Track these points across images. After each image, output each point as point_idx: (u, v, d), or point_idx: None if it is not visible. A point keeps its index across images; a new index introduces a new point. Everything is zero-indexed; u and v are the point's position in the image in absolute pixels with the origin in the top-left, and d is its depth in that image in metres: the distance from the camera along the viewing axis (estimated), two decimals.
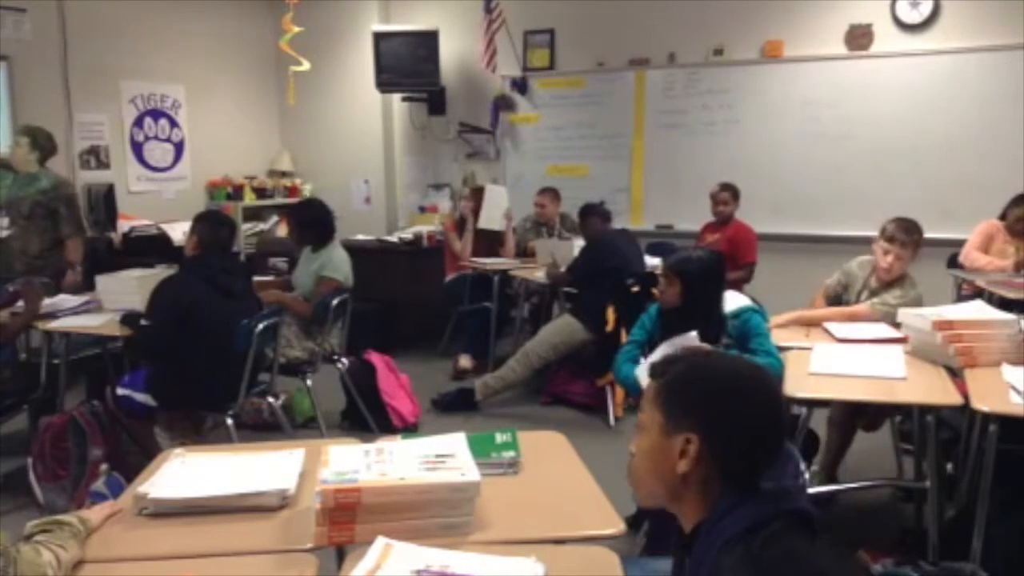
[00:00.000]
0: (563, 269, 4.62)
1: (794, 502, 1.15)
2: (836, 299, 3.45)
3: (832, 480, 3.17)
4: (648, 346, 2.88)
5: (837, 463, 3.20)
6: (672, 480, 1.17)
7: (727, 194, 4.98)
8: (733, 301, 2.81)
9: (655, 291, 4.07)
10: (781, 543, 1.06)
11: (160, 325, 3.09)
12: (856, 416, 3.15)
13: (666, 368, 1.24)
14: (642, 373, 2.76)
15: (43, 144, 4.37)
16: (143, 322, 3.15)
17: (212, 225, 3.35)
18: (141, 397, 3.22)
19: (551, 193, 5.49)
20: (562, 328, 4.44)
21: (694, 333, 2.61)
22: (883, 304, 3.19)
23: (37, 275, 4.18)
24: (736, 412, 1.15)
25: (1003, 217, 4.32)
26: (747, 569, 1.04)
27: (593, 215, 4.79)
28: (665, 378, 1.22)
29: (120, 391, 3.26)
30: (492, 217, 5.41)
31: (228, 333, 3.16)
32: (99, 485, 2.18)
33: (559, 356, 4.44)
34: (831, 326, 3.17)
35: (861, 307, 3.26)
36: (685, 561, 1.22)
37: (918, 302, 3.14)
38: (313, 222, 4.13)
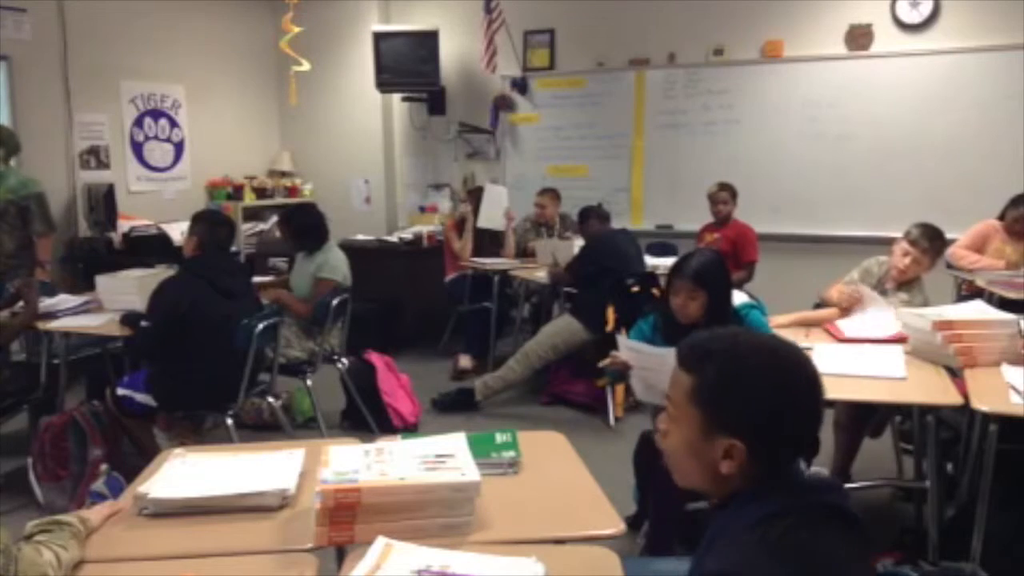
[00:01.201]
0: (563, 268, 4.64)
1: (823, 494, 1.14)
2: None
3: (847, 481, 3.17)
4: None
5: (848, 465, 3.20)
6: (714, 475, 1.15)
7: (726, 194, 4.97)
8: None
9: (655, 291, 4.09)
10: (799, 532, 1.06)
11: (160, 325, 3.09)
12: (863, 420, 3.15)
13: (699, 360, 1.17)
14: (623, 345, 2.66)
15: (7, 142, 4.35)
16: (143, 323, 3.15)
17: (210, 225, 3.35)
18: (141, 397, 3.22)
19: (551, 194, 5.49)
20: (562, 328, 4.44)
21: (673, 351, 2.53)
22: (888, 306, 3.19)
23: (13, 273, 4.17)
24: (780, 414, 1.11)
25: (1002, 217, 4.32)
26: (760, 553, 1.04)
27: (592, 217, 4.80)
28: (702, 375, 1.15)
29: (120, 391, 3.26)
30: (491, 216, 5.41)
31: (228, 333, 3.16)
32: (99, 485, 2.18)
33: (559, 356, 4.44)
34: (839, 322, 3.17)
35: None
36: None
37: (924, 307, 3.13)
38: (306, 228, 4.13)
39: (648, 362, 2.56)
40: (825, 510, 1.11)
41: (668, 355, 2.49)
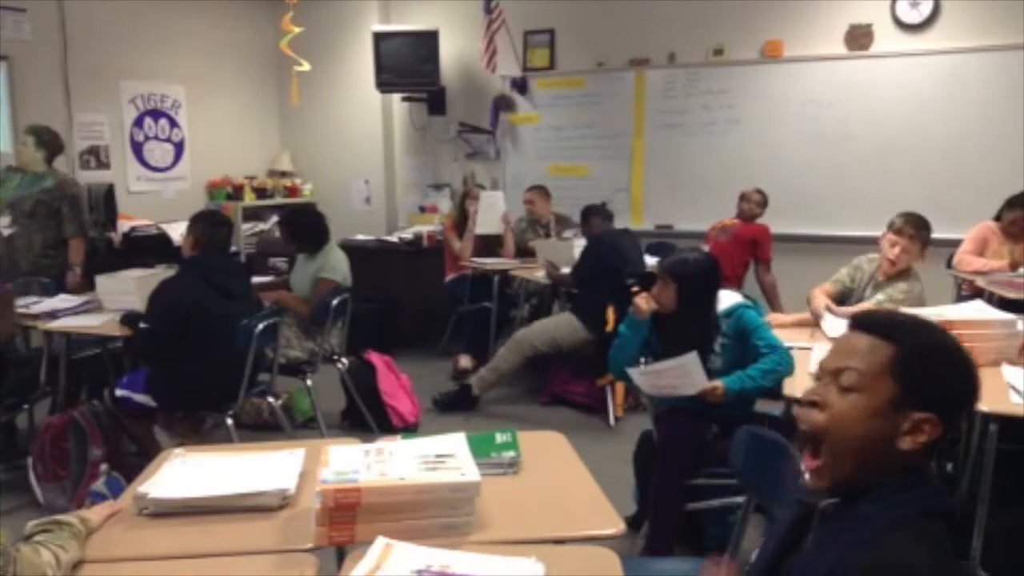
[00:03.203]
0: (565, 271, 4.63)
1: (953, 506, 1.12)
2: (841, 294, 3.44)
3: None
4: (645, 349, 2.88)
5: None
6: (880, 449, 1.10)
7: (760, 196, 5.22)
8: (725, 300, 2.79)
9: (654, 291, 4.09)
10: (946, 543, 1.04)
11: (160, 327, 3.09)
12: None
13: (898, 330, 1.13)
14: (635, 375, 2.76)
15: (48, 142, 4.38)
16: (142, 324, 3.15)
17: (208, 225, 3.35)
18: (140, 398, 3.22)
19: (538, 191, 5.51)
20: (562, 323, 4.44)
21: (694, 354, 2.60)
22: (889, 300, 3.18)
23: (43, 274, 4.21)
24: (968, 397, 1.11)
25: (998, 218, 4.32)
26: (916, 552, 1.01)
27: (594, 215, 4.77)
28: (905, 346, 1.11)
29: (119, 392, 3.26)
30: (489, 222, 5.40)
31: (228, 333, 3.16)
32: (99, 485, 2.19)
33: (554, 350, 4.43)
34: (827, 325, 3.17)
35: (868, 305, 3.24)
36: (814, 514, 1.18)
37: (921, 296, 3.17)
38: (306, 229, 4.13)
39: (668, 377, 2.64)
40: (956, 525, 1.09)
41: (688, 361, 2.56)
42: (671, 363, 2.64)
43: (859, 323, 1.18)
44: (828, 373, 1.17)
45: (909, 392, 1.09)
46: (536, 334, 4.42)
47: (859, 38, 5.40)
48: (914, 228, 3.20)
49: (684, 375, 2.61)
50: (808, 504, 1.20)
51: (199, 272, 3.22)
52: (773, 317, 3.24)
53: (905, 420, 1.09)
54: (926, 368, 1.10)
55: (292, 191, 6.75)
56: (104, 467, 2.23)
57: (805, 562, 1.15)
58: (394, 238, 6.10)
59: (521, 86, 6.41)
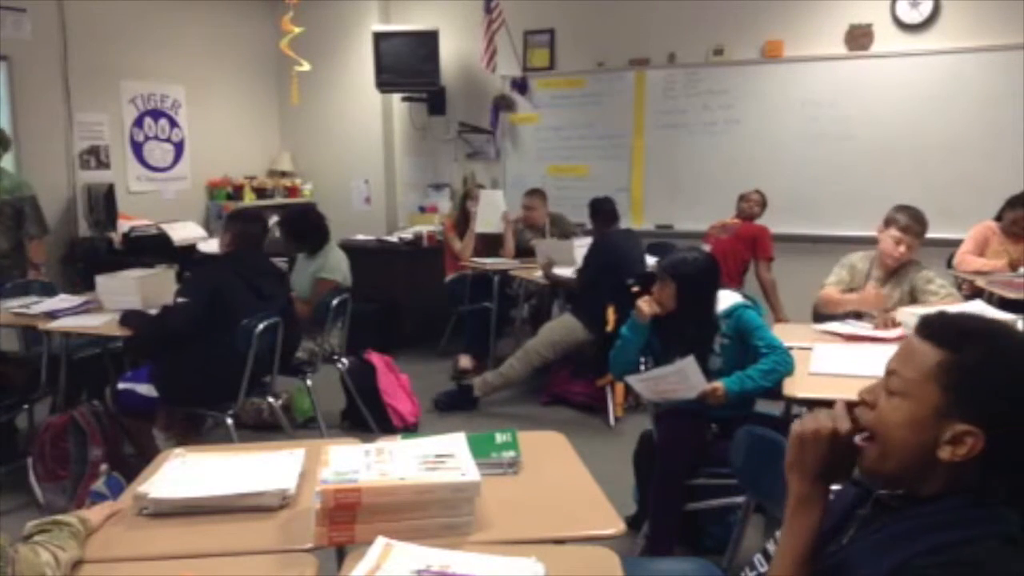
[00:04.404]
0: (562, 271, 4.62)
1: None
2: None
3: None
4: (646, 349, 2.88)
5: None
6: (921, 457, 1.05)
7: (759, 196, 5.26)
8: (724, 300, 2.79)
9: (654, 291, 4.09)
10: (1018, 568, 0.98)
11: (198, 302, 3.12)
12: None
13: (956, 337, 1.06)
14: (634, 382, 2.78)
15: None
16: (179, 299, 3.18)
17: (244, 222, 3.41)
18: (144, 389, 3.21)
19: (538, 196, 5.47)
20: (562, 326, 4.44)
21: (691, 358, 2.60)
22: (946, 293, 3.18)
23: (5, 275, 4.17)
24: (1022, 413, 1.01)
25: (999, 219, 4.32)
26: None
27: (599, 214, 4.71)
28: (958, 355, 1.05)
29: (122, 385, 3.25)
30: (489, 221, 5.41)
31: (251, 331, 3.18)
32: (99, 485, 2.19)
33: (557, 355, 4.43)
34: (835, 325, 3.17)
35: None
36: (866, 500, 1.14)
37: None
38: (306, 230, 4.13)
39: (667, 382, 2.65)
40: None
41: (685, 366, 2.56)
42: (669, 368, 2.64)
43: (919, 327, 1.12)
44: (886, 373, 1.14)
45: (956, 402, 1.03)
46: (542, 343, 4.41)
47: (859, 38, 5.40)
48: (919, 224, 3.19)
49: (683, 379, 2.61)
50: (864, 487, 1.16)
51: (234, 266, 3.27)
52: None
53: (946, 430, 1.04)
54: (975, 378, 1.03)
55: (292, 191, 6.75)
56: (104, 467, 2.22)
57: (851, 553, 1.10)
58: (394, 238, 6.10)
59: (521, 86, 6.41)
